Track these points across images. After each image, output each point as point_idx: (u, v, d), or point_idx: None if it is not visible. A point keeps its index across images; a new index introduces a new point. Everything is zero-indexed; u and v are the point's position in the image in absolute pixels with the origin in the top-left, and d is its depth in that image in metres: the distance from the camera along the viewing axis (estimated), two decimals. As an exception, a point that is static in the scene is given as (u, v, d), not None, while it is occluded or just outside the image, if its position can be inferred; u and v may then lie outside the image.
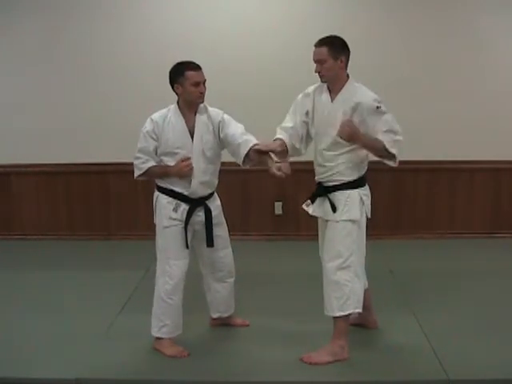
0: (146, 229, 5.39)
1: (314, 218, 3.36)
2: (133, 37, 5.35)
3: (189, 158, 3.15)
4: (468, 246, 5.29)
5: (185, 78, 3.12)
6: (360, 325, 3.50)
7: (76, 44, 5.40)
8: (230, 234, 3.45)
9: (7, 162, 5.55)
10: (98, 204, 5.62)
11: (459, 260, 4.90)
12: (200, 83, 3.15)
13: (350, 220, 3.11)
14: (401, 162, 5.24)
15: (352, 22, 5.18)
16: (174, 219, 3.21)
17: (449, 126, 5.36)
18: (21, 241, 5.58)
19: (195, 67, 3.15)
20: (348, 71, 3.17)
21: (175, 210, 3.21)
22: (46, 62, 5.43)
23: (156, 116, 3.21)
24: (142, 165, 3.22)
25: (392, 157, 3.12)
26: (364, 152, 3.14)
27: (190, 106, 3.20)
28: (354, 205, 3.11)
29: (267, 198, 5.54)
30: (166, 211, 3.21)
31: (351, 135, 3.02)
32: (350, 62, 3.16)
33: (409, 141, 5.21)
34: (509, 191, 5.47)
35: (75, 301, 4.06)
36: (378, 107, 3.04)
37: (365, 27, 5.23)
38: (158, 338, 3.28)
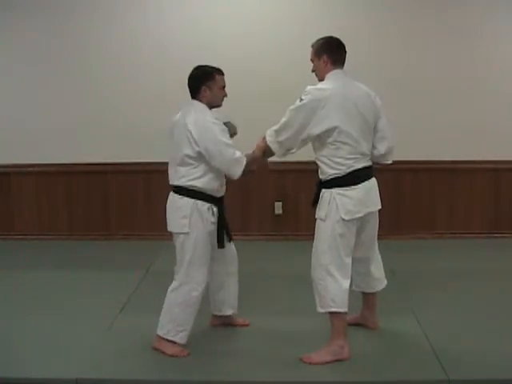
0: (146, 229, 5.45)
1: (314, 218, 3.36)
2: (133, 37, 5.35)
3: None
4: (468, 246, 5.29)
5: (214, 82, 3.25)
6: (360, 324, 3.51)
7: (76, 44, 5.41)
8: (228, 238, 3.46)
9: (7, 161, 5.56)
10: (98, 204, 5.62)
11: (459, 260, 4.90)
12: (224, 87, 3.30)
13: (319, 218, 3.16)
14: (401, 162, 5.32)
15: (352, 21, 5.19)
16: (213, 223, 3.24)
17: (449, 126, 5.36)
18: (21, 241, 5.58)
19: (222, 72, 3.31)
20: (349, 71, 3.20)
21: (213, 213, 3.24)
22: (46, 62, 5.44)
23: (214, 115, 3.22)
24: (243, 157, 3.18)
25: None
26: (342, 149, 3.08)
27: (210, 108, 3.27)
28: (324, 204, 3.14)
29: (267, 198, 5.55)
30: (207, 216, 3.21)
31: None
32: (351, 61, 3.21)
33: (409, 141, 5.30)
34: (509, 191, 5.47)
35: (75, 301, 4.06)
36: (300, 99, 3.09)
37: (365, 27, 5.23)
38: (162, 338, 3.26)
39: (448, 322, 3.62)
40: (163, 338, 3.25)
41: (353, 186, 3.12)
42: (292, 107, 3.12)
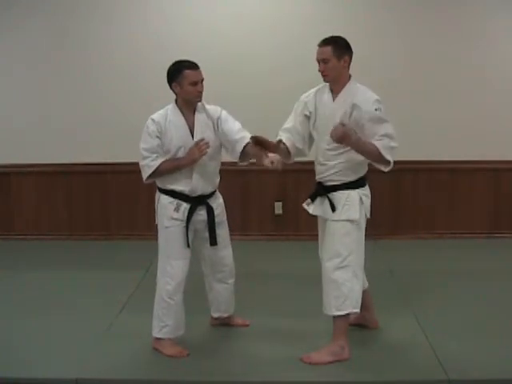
0: (146, 229, 5.43)
1: (314, 218, 3.36)
2: (132, 37, 5.35)
3: (202, 140, 3.14)
4: (468, 246, 5.29)
5: (183, 77, 3.13)
6: (360, 325, 3.51)
7: (76, 44, 5.40)
8: (230, 234, 3.45)
9: (7, 161, 5.55)
10: (98, 204, 5.62)
11: (459, 260, 4.90)
12: (198, 82, 3.15)
13: (348, 220, 3.12)
14: (401, 162, 5.25)
15: (352, 21, 5.19)
16: (175, 219, 3.22)
17: (449, 126, 5.36)
18: (21, 241, 5.58)
19: (193, 66, 3.15)
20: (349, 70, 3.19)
21: (176, 209, 3.21)
22: (46, 62, 5.43)
23: (156, 116, 3.21)
24: (152, 162, 3.18)
25: (386, 162, 3.10)
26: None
27: (188, 104, 3.21)
28: (354, 205, 3.12)
29: (267, 198, 5.54)
30: (167, 211, 3.22)
31: (342, 137, 3.00)
32: (351, 62, 3.20)
33: (409, 141, 5.28)
34: (509, 191, 5.47)
35: (75, 301, 4.06)
36: (376, 110, 3.03)
37: (365, 27, 5.24)
38: (158, 338, 3.27)
39: (448, 322, 3.62)
40: (155, 337, 3.27)
41: (367, 185, 3.21)
42: (384, 117, 3.05)
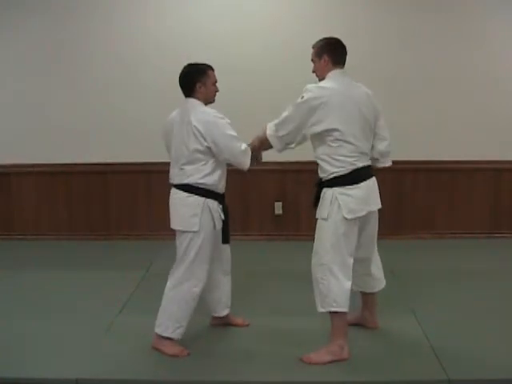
0: (146, 229, 5.45)
1: (315, 218, 3.37)
2: (133, 37, 5.36)
3: None
4: (468, 246, 5.29)
5: (208, 77, 3.26)
6: (360, 325, 3.51)
7: (76, 44, 5.41)
8: (230, 234, 3.47)
9: (7, 161, 5.55)
10: (98, 204, 5.62)
11: (459, 260, 4.90)
12: (216, 82, 3.31)
13: (321, 218, 3.16)
14: (401, 162, 5.33)
15: (352, 21, 5.20)
16: (223, 220, 3.28)
17: (449, 125, 5.37)
18: (21, 241, 5.58)
19: (212, 68, 3.32)
20: (349, 70, 3.22)
21: (222, 210, 3.27)
22: (46, 61, 5.43)
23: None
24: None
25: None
26: (344, 147, 3.09)
27: (206, 104, 3.28)
28: (325, 203, 3.14)
29: (267, 198, 5.54)
30: (217, 214, 3.24)
31: None
32: (351, 61, 3.24)
33: (409, 141, 5.30)
34: (509, 191, 5.47)
35: (75, 301, 4.06)
36: (302, 96, 3.11)
37: (365, 26, 5.24)
38: (161, 337, 3.26)
39: (448, 322, 3.62)
40: (161, 336, 3.26)
41: (355, 185, 3.13)
42: (293, 103, 3.14)
